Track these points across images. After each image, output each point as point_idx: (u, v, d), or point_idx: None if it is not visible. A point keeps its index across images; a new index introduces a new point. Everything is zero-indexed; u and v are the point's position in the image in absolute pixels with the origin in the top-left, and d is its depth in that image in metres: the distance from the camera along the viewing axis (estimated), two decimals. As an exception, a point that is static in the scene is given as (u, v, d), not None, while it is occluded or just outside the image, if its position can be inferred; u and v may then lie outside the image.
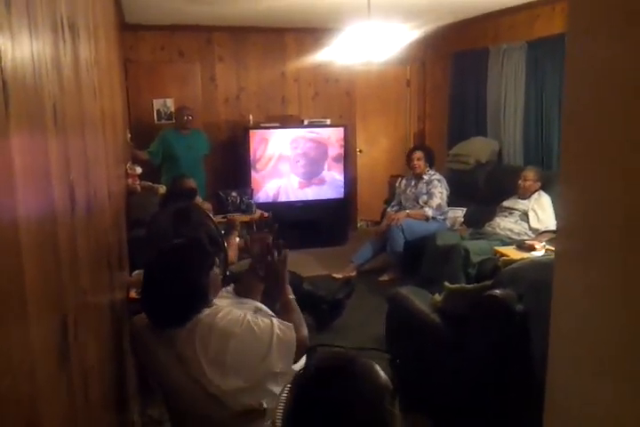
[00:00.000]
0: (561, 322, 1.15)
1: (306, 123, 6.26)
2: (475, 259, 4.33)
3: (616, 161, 0.97)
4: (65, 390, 0.88)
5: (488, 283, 2.67)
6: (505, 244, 4.45)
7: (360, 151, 7.12)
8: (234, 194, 5.24)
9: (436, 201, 5.26)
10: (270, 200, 6.10)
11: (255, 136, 6.03)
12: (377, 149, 7.26)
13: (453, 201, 5.41)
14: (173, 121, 5.75)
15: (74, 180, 1.13)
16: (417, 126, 7.27)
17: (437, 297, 2.94)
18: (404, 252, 5.03)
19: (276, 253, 2.07)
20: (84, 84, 1.53)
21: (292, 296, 2.05)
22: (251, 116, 6.17)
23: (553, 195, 4.53)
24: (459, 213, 5.44)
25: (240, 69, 6.41)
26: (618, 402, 1.00)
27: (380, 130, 7.25)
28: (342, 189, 6.40)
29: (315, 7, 5.00)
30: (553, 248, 3.65)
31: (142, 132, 5.71)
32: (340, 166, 6.34)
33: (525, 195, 4.72)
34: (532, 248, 4.06)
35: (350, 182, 6.65)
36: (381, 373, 1.12)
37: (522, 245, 4.19)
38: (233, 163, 6.26)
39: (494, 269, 3.65)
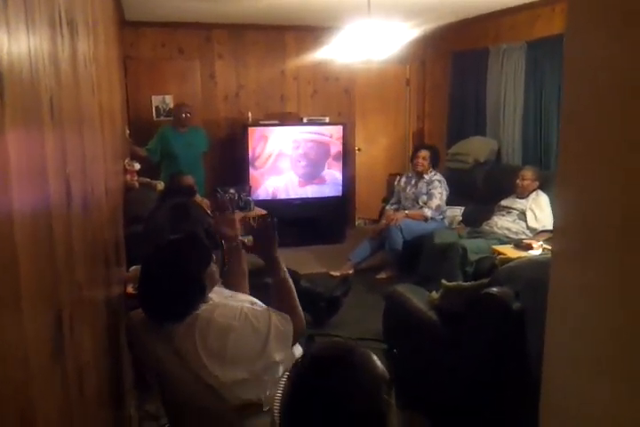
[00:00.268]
0: (557, 322, 1.15)
1: (305, 120, 6.27)
2: (472, 257, 4.34)
3: (614, 161, 0.97)
4: (59, 385, 0.88)
5: (485, 281, 2.68)
6: (502, 242, 4.46)
7: (359, 150, 7.11)
8: (232, 191, 5.24)
9: (435, 202, 5.25)
10: (269, 198, 6.10)
11: (254, 133, 6.02)
12: (376, 148, 7.25)
13: (452, 200, 5.41)
14: (172, 118, 5.74)
15: (70, 174, 1.13)
16: (416, 125, 7.26)
17: (434, 295, 2.94)
18: (402, 250, 5.03)
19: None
20: (82, 80, 1.53)
21: (285, 274, 1.95)
22: (250, 114, 6.17)
23: (551, 194, 4.54)
24: (457, 212, 5.44)
25: (239, 67, 6.41)
26: (615, 402, 0.99)
27: (379, 128, 7.24)
28: (341, 188, 6.40)
29: (315, 5, 4.99)
30: (550, 247, 3.66)
31: (141, 128, 5.71)
32: (339, 165, 6.34)
33: (523, 194, 4.73)
34: (530, 247, 4.07)
35: (349, 180, 6.65)
36: (378, 363, 1.13)
37: (519, 244, 4.20)
38: (232, 160, 6.25)
39: (491, 267, 3.66)
